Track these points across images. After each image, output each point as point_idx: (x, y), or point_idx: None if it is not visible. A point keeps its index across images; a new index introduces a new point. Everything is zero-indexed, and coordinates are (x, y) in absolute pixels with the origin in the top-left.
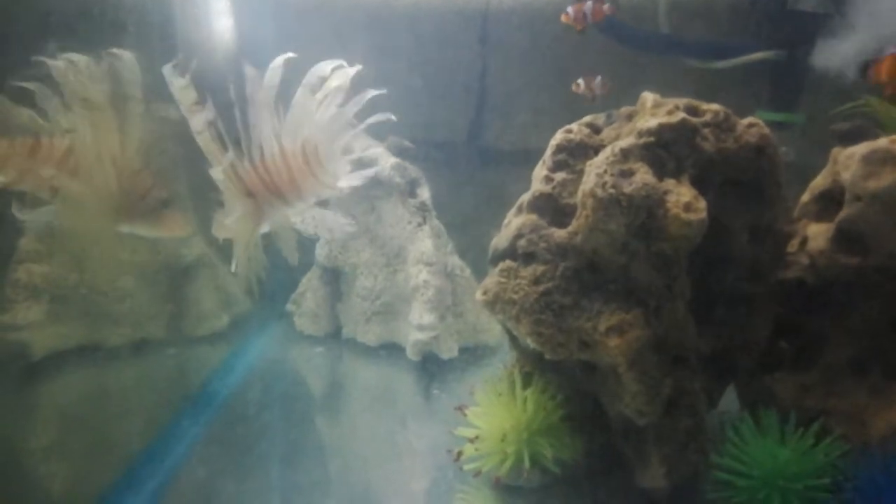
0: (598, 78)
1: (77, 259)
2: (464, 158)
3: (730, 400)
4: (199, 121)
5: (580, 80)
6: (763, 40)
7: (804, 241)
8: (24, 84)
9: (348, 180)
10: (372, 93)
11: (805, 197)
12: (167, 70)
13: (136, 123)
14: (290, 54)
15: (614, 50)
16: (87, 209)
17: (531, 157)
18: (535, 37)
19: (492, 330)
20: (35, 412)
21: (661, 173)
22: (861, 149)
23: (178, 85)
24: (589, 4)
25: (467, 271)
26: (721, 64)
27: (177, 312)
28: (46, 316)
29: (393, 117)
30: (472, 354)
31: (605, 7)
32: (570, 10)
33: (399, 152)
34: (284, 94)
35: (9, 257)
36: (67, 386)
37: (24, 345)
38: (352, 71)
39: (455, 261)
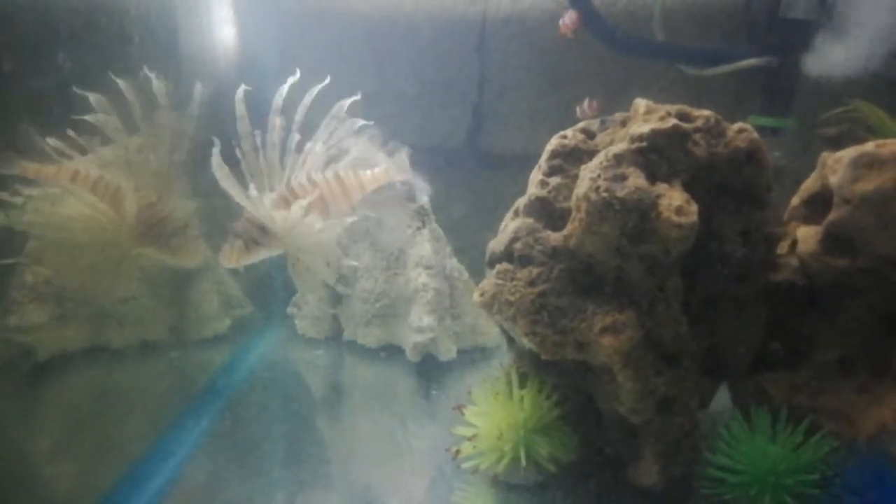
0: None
1: (82, 264)
2: (462, 163)
3: (722, 400)
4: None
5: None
6: (755, 47)
7: (794, 243)
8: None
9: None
10: (360, 122)
11: (795, 200)
12: (216, 166)
13: (163, 151)
14: (319, 85)
15: (609, 57)
16: (106, 233)
17: (527, 162)
18: (531, 44)
19: (489, 332)
20: (41, 412)
21: (653, 178)
22: (849, 153)
23: (224, 175)
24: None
25: (466, 274)
26: (714, 70)
27: (180, 315)
28: (52, 318)
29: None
30: (470, 356)
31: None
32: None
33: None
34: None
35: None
36: (73, 387)
37: (31, 346)
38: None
39: (454, 264)
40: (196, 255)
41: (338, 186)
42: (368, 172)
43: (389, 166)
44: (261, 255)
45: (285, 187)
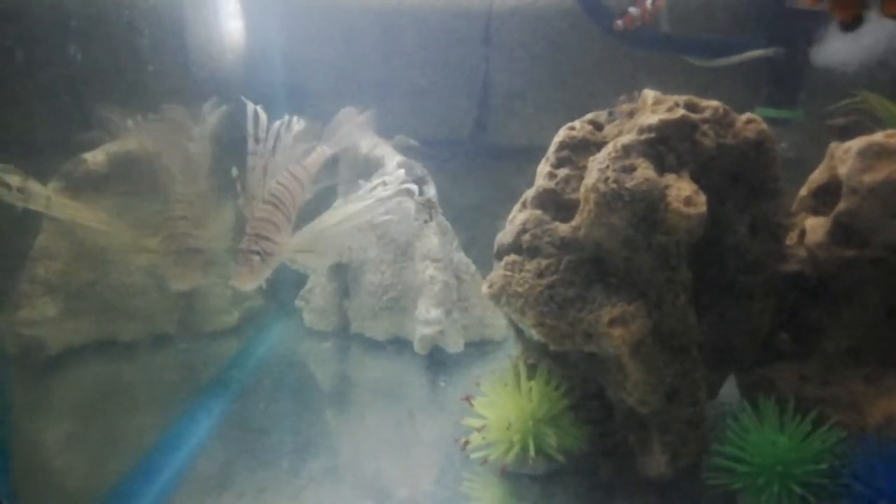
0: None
1: (93, 257)
2: (468, 155)
3: (731, 390)
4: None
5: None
6: (762, 38)
7: (802, 234)
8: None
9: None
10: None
11: (803, 191)
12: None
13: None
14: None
15: (616, 48)
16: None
17: (535, 154)
18: (538, 36)
19: (497, 325)
20: (54, 404)
21: (661, 168)
22: (857, 143)
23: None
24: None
25: (473, 267)
26: (721, 61)
27: (188, 308)
28: (63, 311)
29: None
30: (478, 349)
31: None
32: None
33: (405, 150)
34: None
35: (26, 254)
36: (84, 379)
37: (42, 339)
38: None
39: (461, 257)
40: (185, 281)
41: (294, 180)
42: (309, 159)
43: (324, 147)
44: (275, 264)
45: (268, 193)
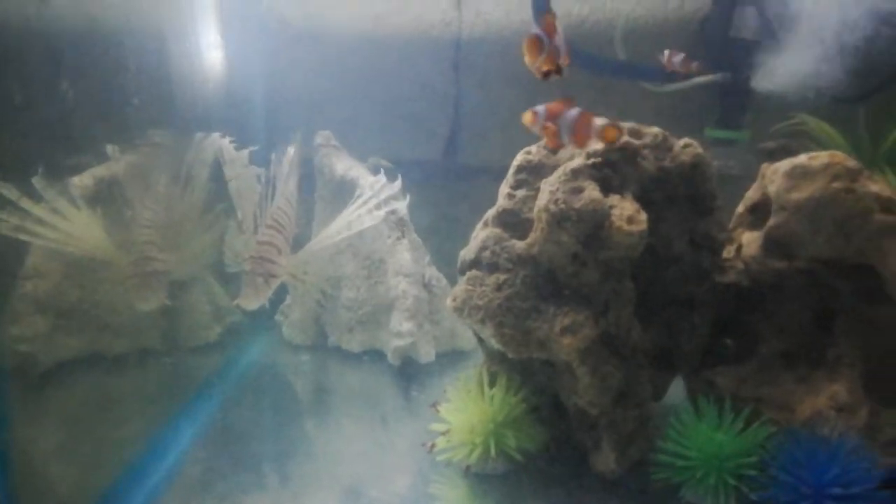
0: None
1: (81, 276)
2: (439, 176)
3: (679, 392)
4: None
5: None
6: (711, 64)
7: (739, 247)
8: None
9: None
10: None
11: (740, 208)
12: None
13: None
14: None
15: (577, 75)
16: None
17: (502, 174)
18: (505, 62)
19: (466, 336)
20: (46, 416)
21: (607, 190)
22: (784, 164)
23: None
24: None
25: (444, 281)
26: (672, 86)
27: (172, 324)
28: (53, 328)
29: None
30: (449, 358)
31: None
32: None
33: (378, 171)
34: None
35: (16, 274)
36: (74, 392)
37: (34, 355)
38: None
39: (432, 272)
40: (149, 302)
41: (289, 204)
42: (291, 185)
43: (291, 182)
44: (276, 285)
45: (270, 218)
